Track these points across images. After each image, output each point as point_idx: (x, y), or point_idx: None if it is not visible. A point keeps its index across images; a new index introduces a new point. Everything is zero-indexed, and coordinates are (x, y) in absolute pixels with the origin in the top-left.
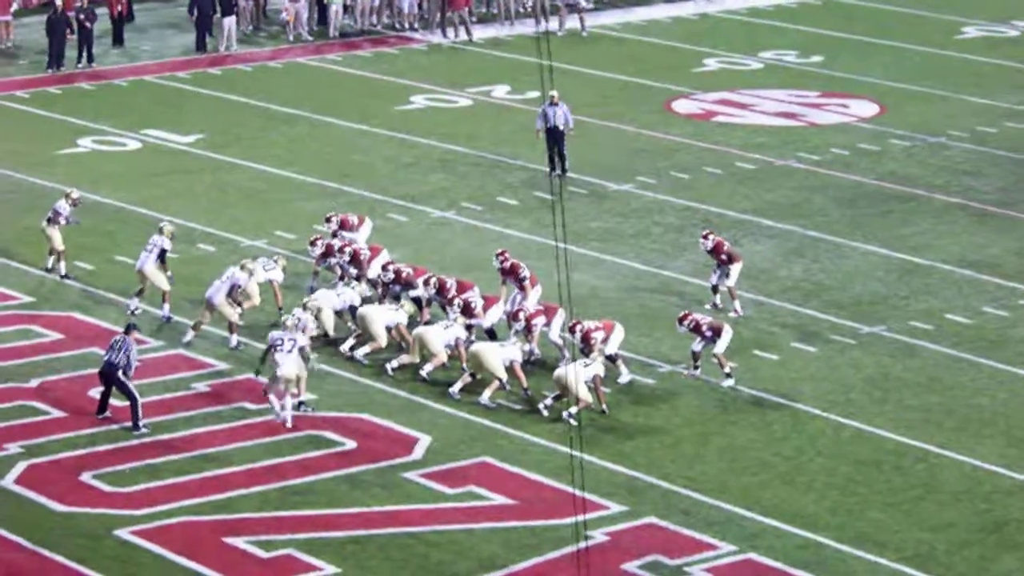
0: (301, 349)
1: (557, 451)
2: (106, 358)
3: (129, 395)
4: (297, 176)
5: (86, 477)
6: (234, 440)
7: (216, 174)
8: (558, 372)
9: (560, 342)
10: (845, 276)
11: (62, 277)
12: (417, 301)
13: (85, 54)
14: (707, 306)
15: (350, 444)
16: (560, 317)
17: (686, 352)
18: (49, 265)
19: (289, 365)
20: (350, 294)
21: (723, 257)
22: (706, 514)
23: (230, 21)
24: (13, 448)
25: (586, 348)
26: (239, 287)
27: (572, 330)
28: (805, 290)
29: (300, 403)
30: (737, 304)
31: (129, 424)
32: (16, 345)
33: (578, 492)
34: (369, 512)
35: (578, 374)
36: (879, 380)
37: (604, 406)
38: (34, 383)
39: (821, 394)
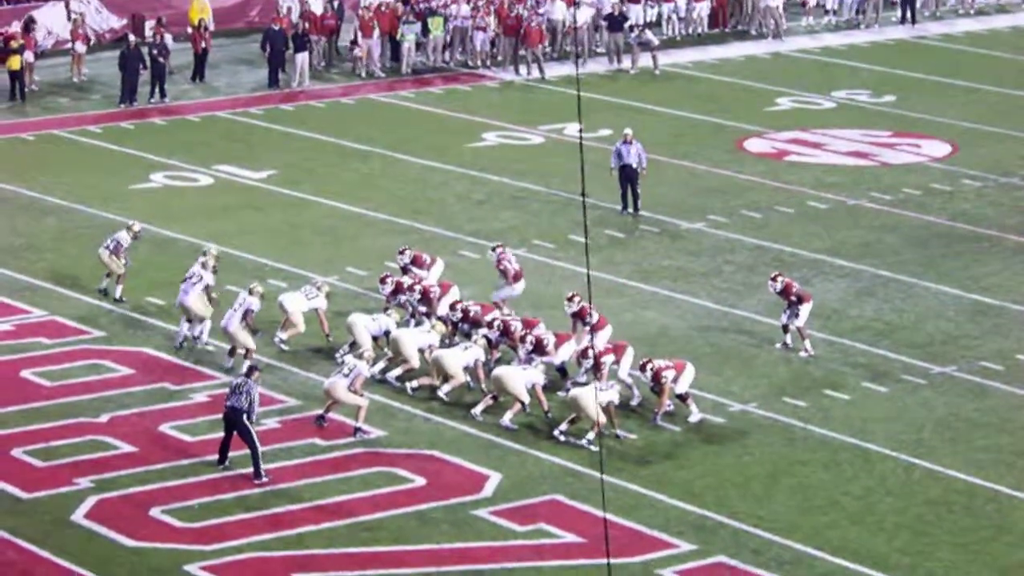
0: (207, 287)
1: (627, 489)
2: (228, 403)
3: (250, 442)
4: (369, 212)
5: (156, 512)
6: (304, 476)
7: (288, 210)
8: (572, 393)
9: (629, 380)
10: (916, 316)
11: (116, 300)
12: (488, 340)
13: (158, 89)
14: (777, 345)
15: (420, 481)
16: (629, 355)
17: (757, 391)
18: (103, 286)
19: (193, 298)
20: (385, 320)
21: (792, 298)
22: (776, 553)
23: (303, 57)
24: (84, 483)
25: (657, 387)
26: (252, 312)
27: (643, 368)
28: (876, 330)
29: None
30: (807, 344)
31: (198, 460)
32: (87, 380)
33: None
34: (438, 549)
35: (593, 398)
36: (950, 420)
37: (617, 431)
38: (105, 418)
39: (892, 434)
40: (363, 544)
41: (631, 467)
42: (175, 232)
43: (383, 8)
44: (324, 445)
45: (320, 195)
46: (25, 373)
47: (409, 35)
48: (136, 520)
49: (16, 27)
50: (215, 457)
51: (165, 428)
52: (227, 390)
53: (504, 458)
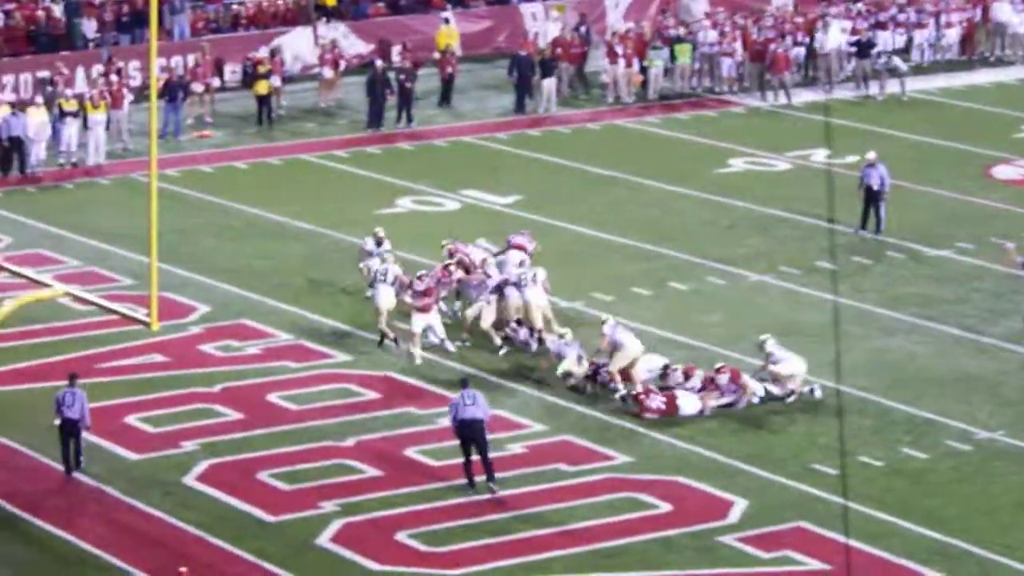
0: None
1: (872, 516)
2: (465, 415)
3: (485, 449)
4: (614, 238)
5: (402, 536)
6: (549, 501)
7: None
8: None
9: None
10: None
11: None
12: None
13: (405, 114)
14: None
15: (665, 507)
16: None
17: (1004, 419)
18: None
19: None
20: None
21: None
22: None
23: (550, 83)
24: (329, 506)
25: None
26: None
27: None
28: None
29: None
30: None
31: (444, 484)
32: (334, 404)
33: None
34: (683, 575)
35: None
36: None
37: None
38: (351, 442)
39: None
40: (608, 570)
41: (877, 494)
42: (422, 256)
43: (630, 34)
44: (570, 470)
45: (565, 220)
46: (271, 397)
47: (657, 61)
48: (382, 544)
49: (263, 52)
50: (462, 481)
51: (411, 452)
52: (454, 408)
53: (749, 485)
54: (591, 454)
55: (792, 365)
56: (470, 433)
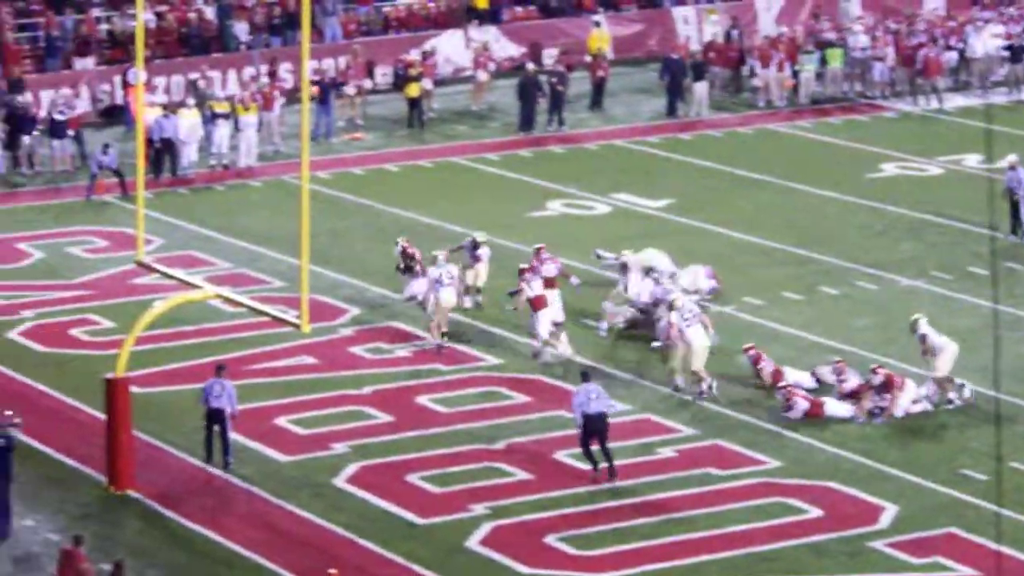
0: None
1: None
2: (587, 411)
3: (607, 442)
4: (765, 242)
5: (551, 540)
6: (700, 505)
7: (684, 239)
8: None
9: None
10: None
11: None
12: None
13: (556, 117)
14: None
15: (816, 512)
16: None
17: None
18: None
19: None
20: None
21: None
22: None
23: (702, 86)
24: (479, 509)
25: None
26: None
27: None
28: None
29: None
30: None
31: (595, 488)
32: (483, 407)
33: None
34: None
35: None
36: None
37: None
38: (501, 445)
39: None
40: (759, 574)
41: None
42: (574, 260)
43: (782, 38)
44: (720, 475)
45: (716, 224)
46: (421, 399)
47: (808, 65)
48: (531, 548)
49: (415, 55)
50: (612, 485)
51: (561, 455)
52: (581, 401)
53: (901, 490)
54: (741, 458)
55: (945, 357)
56: (597, 427)
